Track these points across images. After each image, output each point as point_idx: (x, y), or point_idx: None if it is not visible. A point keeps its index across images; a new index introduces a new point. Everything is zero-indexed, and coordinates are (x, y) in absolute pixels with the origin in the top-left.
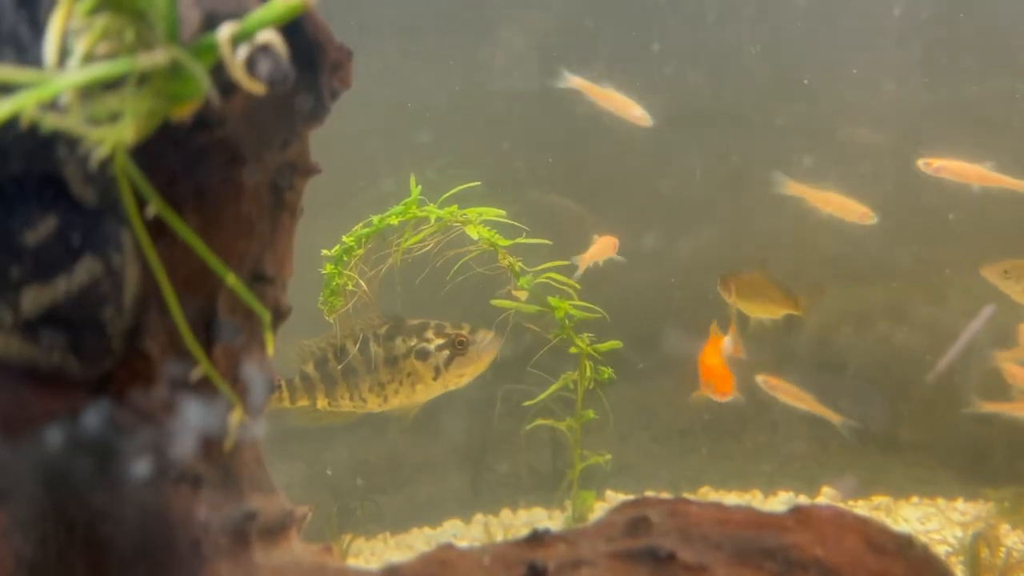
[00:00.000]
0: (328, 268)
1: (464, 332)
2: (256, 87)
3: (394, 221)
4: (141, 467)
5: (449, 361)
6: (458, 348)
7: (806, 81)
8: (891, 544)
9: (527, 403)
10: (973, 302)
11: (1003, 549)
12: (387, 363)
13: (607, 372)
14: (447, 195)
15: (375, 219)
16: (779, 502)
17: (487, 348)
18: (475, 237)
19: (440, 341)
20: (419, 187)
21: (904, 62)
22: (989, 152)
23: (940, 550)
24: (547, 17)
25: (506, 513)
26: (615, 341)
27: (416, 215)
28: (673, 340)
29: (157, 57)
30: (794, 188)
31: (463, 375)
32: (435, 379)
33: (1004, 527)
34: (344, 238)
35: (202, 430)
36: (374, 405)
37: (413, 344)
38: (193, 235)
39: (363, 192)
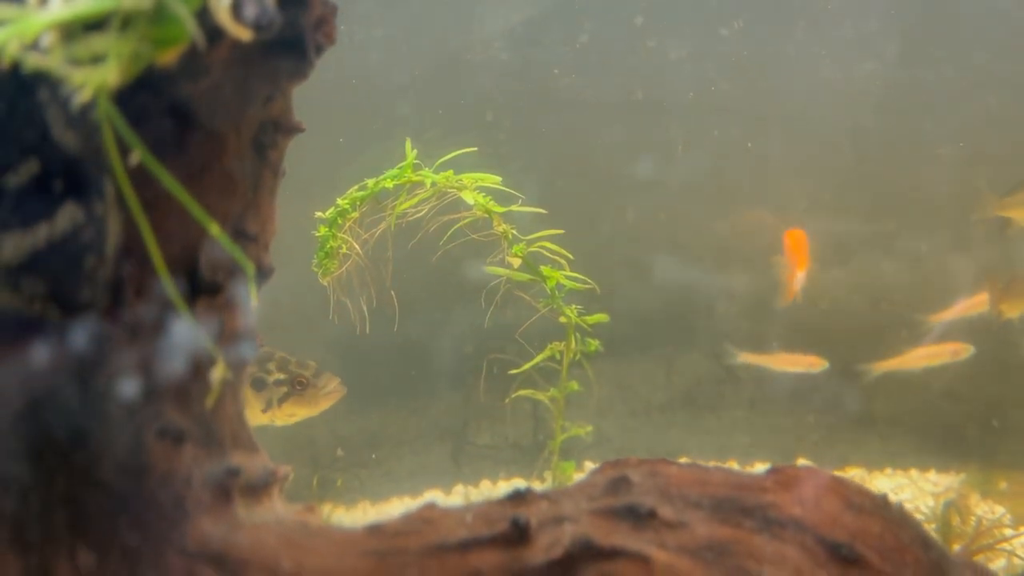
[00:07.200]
0: (322, 230)
1: (307, 373)
2: (242, 32)
3: (389, 184)
4: (123, 420)
5: (284, 399)
6: (296, 388)
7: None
8: (868, 504)
9: (513, 372)
10: (950, 279)
11: (973, 518)
12: None
13: (594, 344)
14: (442, 160)
15: (370, 183)
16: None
17: (326, 395)
18: (471, 203)
19: (280, 376)
20: (415, 151)
21: (875, 44)
22: (955, 132)
23: None
24: None
25: (486, 484)
26: (602, 314)
27: (412, 179)
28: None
29: None
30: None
31: (294, 415)
32: (263, 412)
33: (975, 497)
34: (339, 200)
35: (184, 385)
36: None
37: (252, 371)
38: (176, 183)
39: (340, 166)
